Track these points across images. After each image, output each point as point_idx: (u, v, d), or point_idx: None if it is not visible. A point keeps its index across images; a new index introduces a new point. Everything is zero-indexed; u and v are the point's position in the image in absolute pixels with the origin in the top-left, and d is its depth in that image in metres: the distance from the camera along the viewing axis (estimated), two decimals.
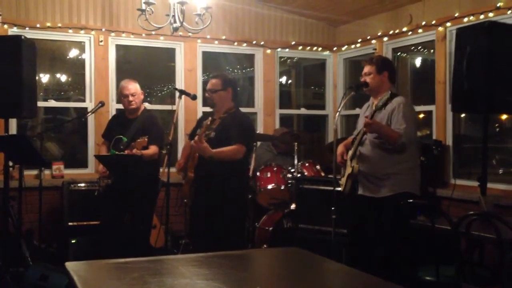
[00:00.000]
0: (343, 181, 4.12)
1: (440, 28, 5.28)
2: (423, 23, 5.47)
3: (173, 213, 4.25)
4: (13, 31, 5.42)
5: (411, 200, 3.45)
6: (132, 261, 2.47)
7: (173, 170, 4.35)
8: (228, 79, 4.36)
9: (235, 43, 6.36)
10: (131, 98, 4.65)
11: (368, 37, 6.21)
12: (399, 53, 6.10)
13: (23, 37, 4.53)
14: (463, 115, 5.26)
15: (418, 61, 6.30)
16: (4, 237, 4.54)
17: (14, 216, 4.61)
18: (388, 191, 3.85)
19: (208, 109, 4.70)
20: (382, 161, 3.90)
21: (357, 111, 6.59)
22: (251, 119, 5.23)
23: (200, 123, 4.35)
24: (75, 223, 5.17)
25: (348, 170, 4.02)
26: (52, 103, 5.91)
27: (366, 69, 4.04)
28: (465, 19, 4.99)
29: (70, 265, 2.30)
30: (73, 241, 5.06)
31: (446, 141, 5.20)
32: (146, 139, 4.31)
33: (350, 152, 4.06)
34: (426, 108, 5.56)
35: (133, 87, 4.67)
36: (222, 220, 4.04)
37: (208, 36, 6.13)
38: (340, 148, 4.16)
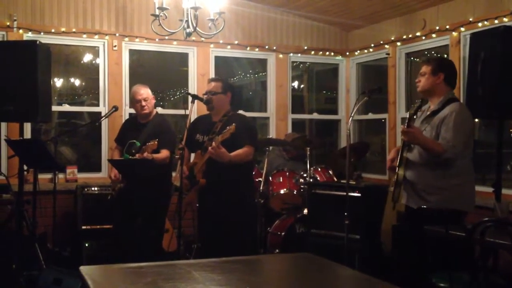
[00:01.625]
0: (391, 189, 3.84)
1: (454, 33, 5.25)
2: (437, 27, 5.45)
3: (185, 218, 4.25)
4: (28, 36, 5.48)
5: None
6: (145, 265, 2.48)
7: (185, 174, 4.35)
8: (229, 83, 4.42)
9: (248, 48, 6.38)
10: (143, 103, 4.67)
11: (381, 42, 6.20)
12: (412, 58, 6.08)
13: (38, 42, 4.58)
14: (477, 120, 5.22)
15: None
16: (18, 240, 4.57)
17: (29, 220, 4.64)
18: (433, 205, 3.50)
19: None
20: (430, 173, 3.60)
21: (370, 116, 6.59)
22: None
23: (196, 128, 4.30)
24: (88, 227, 5.20)
25: (395, 177, 3.72)
26: (66, 108, 5.96)
27: (423, 69, 3.76)
28: (480, 24, 4.96)
29: (84, 269, 2.31)
30: (86, 245, 5.09)
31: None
32: (156, 142, 4.32)
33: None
34: None
35: (145, 92, 4.69)
36: (233, 224, 4.05)
37: (221, 41, 6.15)
38: (392, 154, 3.88)
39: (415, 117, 3.71)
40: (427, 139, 3.54)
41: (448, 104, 3.61)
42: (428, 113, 3.70)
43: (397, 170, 3.67)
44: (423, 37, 5.64)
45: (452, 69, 3.84)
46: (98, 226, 5.17)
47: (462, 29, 5.17)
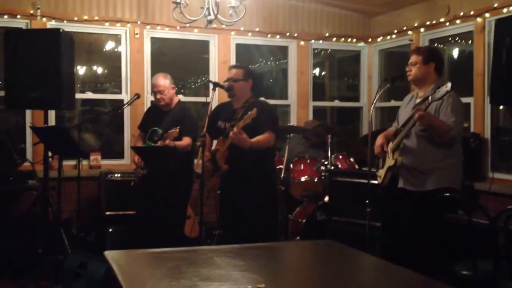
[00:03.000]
0: (381, 173, 4.03)
1: (479, 19, 5.17)
2: (461, 13, 5.36)
3: (207, 204, 4.28)
4: (52, 24, 5.54)
5: (447, 194, 3.40)
6: (168, 251, 2.52)
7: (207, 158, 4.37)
8: (250, 70, 4.42)
9: (269, 35, 6.36)
10: (158, 96, 4.70)
11: (404, 28, 6.12)
12: (436, 44, 5.99)
13: (61, 30, 4.62)
14: (501, 107, 5.15)
15: (455, 53, 6.18)
16: (43, 226, 4.66)
17: (53, 205, 4.72)
18: (431, 186, 3.73)
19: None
20: (428, 155, 3.78)
21: (392, 103, 6.53)
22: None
23: (217, 115, 4.32)
24: (112, 213, 5.27)
25: (389, 162, 3.91)
26: (89, 95, 6.03)
27: (413, 58, 3.92)
28: (504, 10, 4.87)
29: (109, 254, 2.35)
30: (110, 230, 5.16)
31: (484, 134, 5.11)
32: (177, 130, 4.34)
33: (392, 144, 3.94)
34: (464, 100, 5.43)
35: (162, 83, 4.69)
36: (256, 209, 4.07)
37: (242, 28, 6.14)
38: (380, 139, 4.06)
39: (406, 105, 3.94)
40: (440, 120, 3.69)
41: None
42: (418, 100, 3.82)
43: (391, 155, 3.89)
44: (447, 23, 5.56)
45: (441, 58, 4.05)
46: (122, 212, 5.23)
47: (487, 15, 5.08)
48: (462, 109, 3.87)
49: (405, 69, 3.97)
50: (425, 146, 3.78)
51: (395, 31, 6.27)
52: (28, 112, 5.49)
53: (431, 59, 3.88)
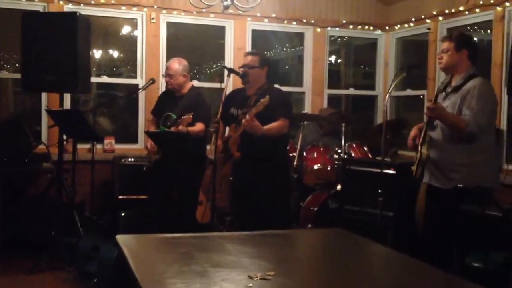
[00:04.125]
0: (414, 167, 3.79)
1: (499, 8, 5.08)
2: (481, 2, 5.27)
3: (219, 190, 4.30)
4: (69, 7, 5.55)
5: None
6: (179, 236, 2.54)
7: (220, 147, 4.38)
8: (266, 57, 4.40)
9: (285, 21, 6.31)
10: (166, 79, 4.72)
11: (422, 16, 6.04)
12: (445, 35, 5.89)
13: (78, 13, 4.64)
14: None
15: None
16: (57, 208, 4.71)
17: (67, 188, 4.78)
18: (455, 183, 3.51)
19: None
20: (453, 150, 3.56)
21: (408, 92, 6.48)
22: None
23: (230, 102, 4.31)
24: (125, 197, 5.30)
25: (418, 156, 3.70)
26: (104, 79, 6.04)
27: (444, 45, 3.71)
28: None
29: (120, 238, 2.37)
30: (123, 214, 5.21)
31: (500, 125, 5.04)
32: (191, 116, 4.35)
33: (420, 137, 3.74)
34: None
35: (174, 68, 4.68)
36: (268, 197, 4.08)
37: (258, 14, 6.10)
38: (413, 131, 3.85)
39: (443, 93, 3.68)
40: (450, 114, 3.51)
41: (470, 79, 3.57)
42: (450, 89, 3.65)
43: (419, 148, 3.66)
44: (466, 12, 5.48)
45: (474, 45, 3.79)
46: (135, 196, 5.27)
47: (507, 4, 4.99)
48: (490, 101, 3.58)
49: (437, 56, 3.78)
50: (450, 139, 3.57)
51: (413, 19, 6.19)
52: (44, 95, 5.53)
53: (463, 45, 3.66)
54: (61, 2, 5.52)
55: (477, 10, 5.33)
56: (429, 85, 6.00)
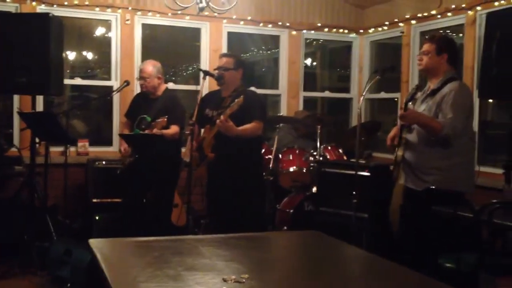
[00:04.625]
0: (392, 168, 3.85)
1: (470, 12, 5.17)
2: (453, 6, 5.36)
3: (194, 193, 4.28)
4: (41, 8, 5.47)
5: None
6: (153, 239, 2.51)
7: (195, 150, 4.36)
8: (240, 59, 4.41)
9: (261, 24, 6.33)
10: (141, 82, 4.70)
11: (396, 20, 6.11)
12: (427, 37, 5.98)
13: (50, 14, 4.58)
14: (491, 100, 5.16)
15: None
16: (30, 212, 4.64)
17: (40, 192, 4.70)
18: (430, 186, 3.54)
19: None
20: (428, 153, 3.59)
21: (382, 95, 6.55)
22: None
23: (206, 104, 4.30)
24: (99, 200, 5.25)
25: (394, 157, 3.75)
26: (78, 81, 5.97)
27: (425, 47, 3.70)
28: (496, 3, 4.87)
29: (93, 242, 2.34)
30: (97, 218, 5.15)
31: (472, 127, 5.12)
32: (165, 119, 4.34)
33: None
34: None
35: (148, 70, 4.66)
36: (242, 198, 4.09)
37: (234, 17, 6.11)
38: (393, 131, 3.87)
39: (410, 103, 3.70)
40: (424, 117, 3.54)
41: (448, 83, 3.60)
42: (428, 92, 3.69)
43: (396, 150, 3.69)
44: (439, 16, 5.56)
45: (455, 48, 3.82)
46: (109, 200, 5.21)
47: (478, 8, 5.08)
48: (466, 105, 3.60)
49: (416, 57, 3.77)
50: (425, 143, 3.60)
51: (387, 23, 6.26)
52: (16, 97, 5.44)
53: (444, 49, 3.67)
54: (33, 3, 5.44)
55: (449, 14, 5.42)
56: (403, 87, 6.08)
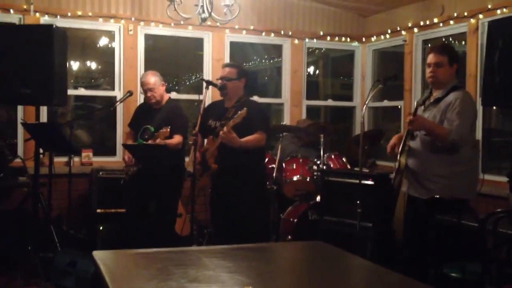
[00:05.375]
0: (393, 176, 3.85)
1: (472, 20, 5.18)
2: (455, 14, 5.37)
3: (198, 203, 4.28)
4: (45, 19, 5.50)
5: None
6: (156, 251, 2.51)
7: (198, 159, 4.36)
8: (243, 69, 4.42)
9: (263, 33, 6.34)
10: (149, 94, 4.69)
11: (398, 28, 6.13)
12: (430, 45, 6.00)
13: (54, 25, 4.60)
14: (494, 108, 5.16)
15: None
16: (34, 223, 4.64)
17: (44, 202, 4.70)
18: (433, 194, 3.49)
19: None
20: (432, 160, 3.58)
21: (385, 103, 6.54)
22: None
23: (209, 114, 4.31)
24: (103, 210, 5.25)
25: (396, 165, 3.74)
26: (82, 91, 5.99)
27: (437, 58, 3.63)
28: (498, 11, 4.88)
29: (97, 254, 2.34)
30: (101, 228, 5.15)
31: (476, 135, 5.11)
32: (168, 130, 4.35)
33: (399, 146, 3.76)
34: None
35: (152, 81, 4.67)
36: (246, 209, 4.08)
37: (236, 26, 6.13)
38: (393, 140, 3.89)
39: (422, 107, 3.72)
40: (432, 123, 3.55)
41: (452, 91, 3.61)
42: (432, 100, 3.69)
43: (398, 157, 3.69)
44: (441, 24, 5.57)
45: (459, 57, 3.83)
46: (113, 210, 5.22)
47: (481, 16, 5.09)
48: (471, 113, 3.62)
49: (426, 70, 3.70)
50: (430, 150, 3.59)
51: (389, 31, 6.27)
52: (20, 108, 5.46)
53: (456, 60, 3.68)
54: (37, 15, 5.47)
55: (452, 22, 5.43)
56: (405, 96, 6.08)
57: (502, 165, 4.97)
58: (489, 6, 4.97)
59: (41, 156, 4.80)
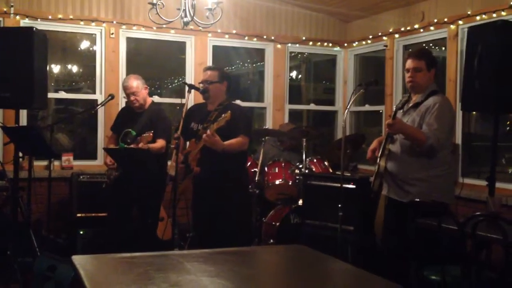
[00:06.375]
0: (372, 179, 3.91)
1: (452, 26, 5.24)
2: (435, 20, 5.44)
3: (180, 207, 4.26)
4: (25, 22, 5.45)
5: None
6: (137, 255, 2.49)
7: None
8: (225, 72, 4.42)
9: (246, 38, 6.36)
10: (132, 98, 4.68)
11: (380, 34, 6.18)
12: (410, 50, 6.06)
13: (34, 28, 4.55)
14: (474, 113, 5.22)
15: None
16: (13, 227, 4.58)
17: (23, 207, 4.65)
18: (412, 197, 3.56)
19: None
20: (410, 164, 3.64)
21: (367, 107, 6.59)
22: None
23: (191, 117, 4.30)
24: (83, 215, 5.20)
25: (376, 168, 3.79)
26: (62, 95, 5.94)
27: (415, 63, 3.68)
28: (478, 17, 4.95)
29: (76, 259, 2.31)
30: (81, 232, 5.10)
31: (455, 140, 5.17)
32: (151, 134, 4.33)
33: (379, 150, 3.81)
34: None
35: (135, 85, 4.66)
36: (227, 213, 4.08)
37: (219, 30, 6.13)
38: (373, 144, 3.93)
39: (401, 111, 3.77)
40: (412, 128, 3.59)
41: (431, 95, 3.66)
42: (411, 104, 3.73)
43: (378, 160, 3.73)
44: (421, 30, 5.63)
45: (437, 62, 3.88)
46: (93, 214, 5.17)
47: (460, 22, 5.15)
48: (449, 118, 3.69)
49: (405, 75, 3.75)
50: (408, 154, 3.64)
51: (371, 36, 6.33)
52: None
53: (433, 64, 3.73)
54: (17, 17, 5.42)
55: (432, 28, 5.49)
56: (387, 100, 6.13)
57: (481, 169, 5.02)
58: (469, 13, 5.04)
59: (20, 160, 4.74)
